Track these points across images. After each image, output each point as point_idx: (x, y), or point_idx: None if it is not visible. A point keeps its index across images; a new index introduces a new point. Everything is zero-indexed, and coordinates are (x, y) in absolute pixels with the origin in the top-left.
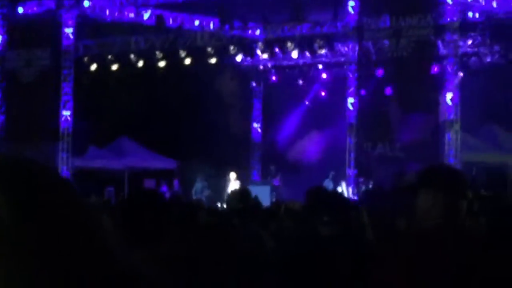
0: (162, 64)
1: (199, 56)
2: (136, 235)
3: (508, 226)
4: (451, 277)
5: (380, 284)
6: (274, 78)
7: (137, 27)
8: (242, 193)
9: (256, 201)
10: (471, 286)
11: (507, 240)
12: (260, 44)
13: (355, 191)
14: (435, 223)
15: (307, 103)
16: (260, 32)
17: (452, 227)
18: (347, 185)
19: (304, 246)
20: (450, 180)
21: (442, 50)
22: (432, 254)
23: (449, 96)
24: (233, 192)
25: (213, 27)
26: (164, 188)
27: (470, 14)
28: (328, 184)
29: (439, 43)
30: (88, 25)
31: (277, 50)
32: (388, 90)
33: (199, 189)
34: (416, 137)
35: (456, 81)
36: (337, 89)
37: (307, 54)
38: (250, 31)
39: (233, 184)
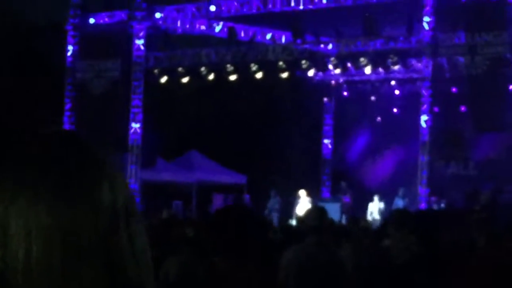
0: (233, 77)
1: (271, 70)
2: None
3: None
4: None
5: None
6: (346, 93)
7: (208, 39)
8: (318, 211)
9: (330, 220)
10: None
11: None
12: (332, 59)
13: None
14: None
15: (379, 119)
16: (333, 46)
17: None
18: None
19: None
20: None
21: None
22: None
23: None
24: (310, 210)
25: (285, 41)
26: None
27: None
28: (398, 202)
29: None
30: (159, 37)
31: (349, 65)
32: (462, 108)
33: (272, 205)
34: (490, 156)
35: None
36: (410, 105)
37: (380, 69)
38: (322, 46)
39: (303, 201)
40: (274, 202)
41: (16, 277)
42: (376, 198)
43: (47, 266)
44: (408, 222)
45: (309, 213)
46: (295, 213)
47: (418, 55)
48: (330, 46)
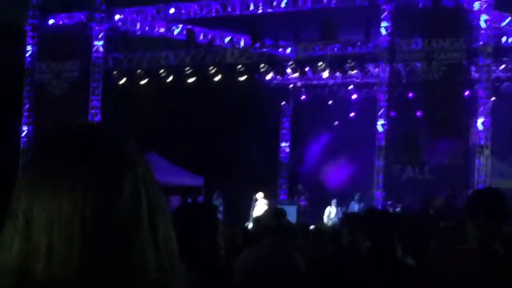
0: (191, 80)
1: (229, 73)
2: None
3: None
4: None
5: None
6: (303, 97)
7: (167, 42)
8: (276, 212)
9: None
10: None
11: None
12: (290, 62)
13: None
14: (468, 247)
15: (336, 123)
16: (291, 50)
17: (486, 253)
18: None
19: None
20: (496, 206)
21: (474, 74)
22: (462, 277)
23: (480, 120)
24: (267, 210)
25: (244, 44)
26: None
27: (503, 39)
28: (354, 205)
29: (472, 67)
30: (118, 38)
31: (307, 69)
32: (419, 113)
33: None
34: (445, 161)
35: (488, 106)
36: (367, 110)
37: (338, 74)
38: (281, 50)
39: (260, 203)
40: (217, 204)
41: (37, 269)
42: (333, 202)
43: (66, 259)
44: (358, 225)
45: (266, 213)
46: (252, 215)
47: (375, 60)
48: (288, 50)
